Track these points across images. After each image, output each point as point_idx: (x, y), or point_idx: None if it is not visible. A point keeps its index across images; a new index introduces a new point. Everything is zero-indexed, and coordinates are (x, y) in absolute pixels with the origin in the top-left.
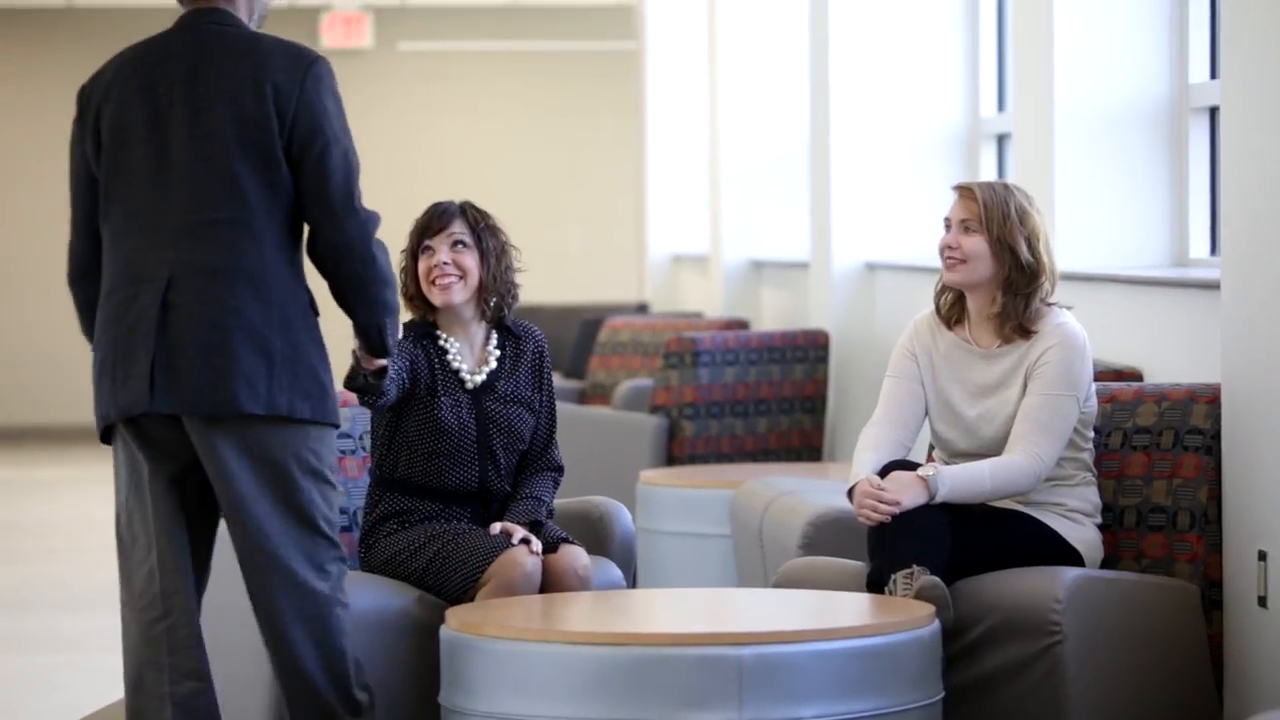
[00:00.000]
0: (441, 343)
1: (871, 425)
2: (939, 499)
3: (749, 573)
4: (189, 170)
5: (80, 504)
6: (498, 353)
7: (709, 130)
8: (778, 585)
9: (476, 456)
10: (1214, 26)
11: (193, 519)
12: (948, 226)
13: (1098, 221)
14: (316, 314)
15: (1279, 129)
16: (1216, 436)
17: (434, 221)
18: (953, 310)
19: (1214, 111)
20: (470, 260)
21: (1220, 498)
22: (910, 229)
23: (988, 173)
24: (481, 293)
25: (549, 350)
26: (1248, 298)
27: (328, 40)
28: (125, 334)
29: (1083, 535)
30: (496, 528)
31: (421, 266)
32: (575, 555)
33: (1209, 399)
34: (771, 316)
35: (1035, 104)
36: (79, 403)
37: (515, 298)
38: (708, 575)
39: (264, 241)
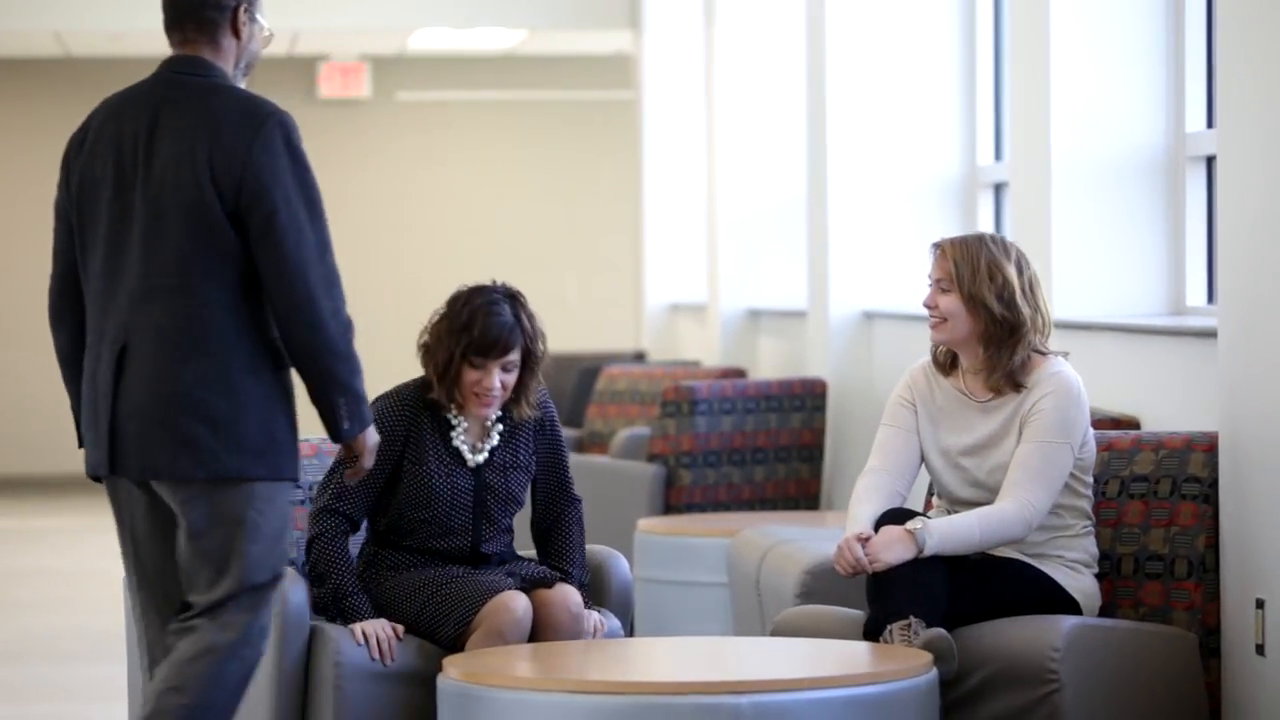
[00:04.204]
0: (449, 416)
1: (866, 474)
2: (927, 553)
3: (746, 621)
4: (142, 230)
5: (78, 554)
6: (500, 427)
7: (706, 179)
8: (775, 634)
9: (471, 525)
10: (1210, 76)
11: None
12: (930, 284)
13: (1095, 270)
14: (279, 366)
15: (1276, 177)
16: (1214, 485)
17: (495, 347)
18: (948, 358)
19: (1211, 160)
20: (513, 378)
21: (1218, 546)
22: (908, 278)
23: (985, 222)
24: (509, 397)
25: (554, 413)
26: (1245, 346)
27: (326, 90)
28: (92, 395)
29: (1080, 584)
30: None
31: (468, 375)
32: (568, 593)
33: (1206, 447)
34: (769, 365)
35: (1032, 153)
36: (76, 452)
37: (537, 395)
38: (705, 624)
39: (208, 303)
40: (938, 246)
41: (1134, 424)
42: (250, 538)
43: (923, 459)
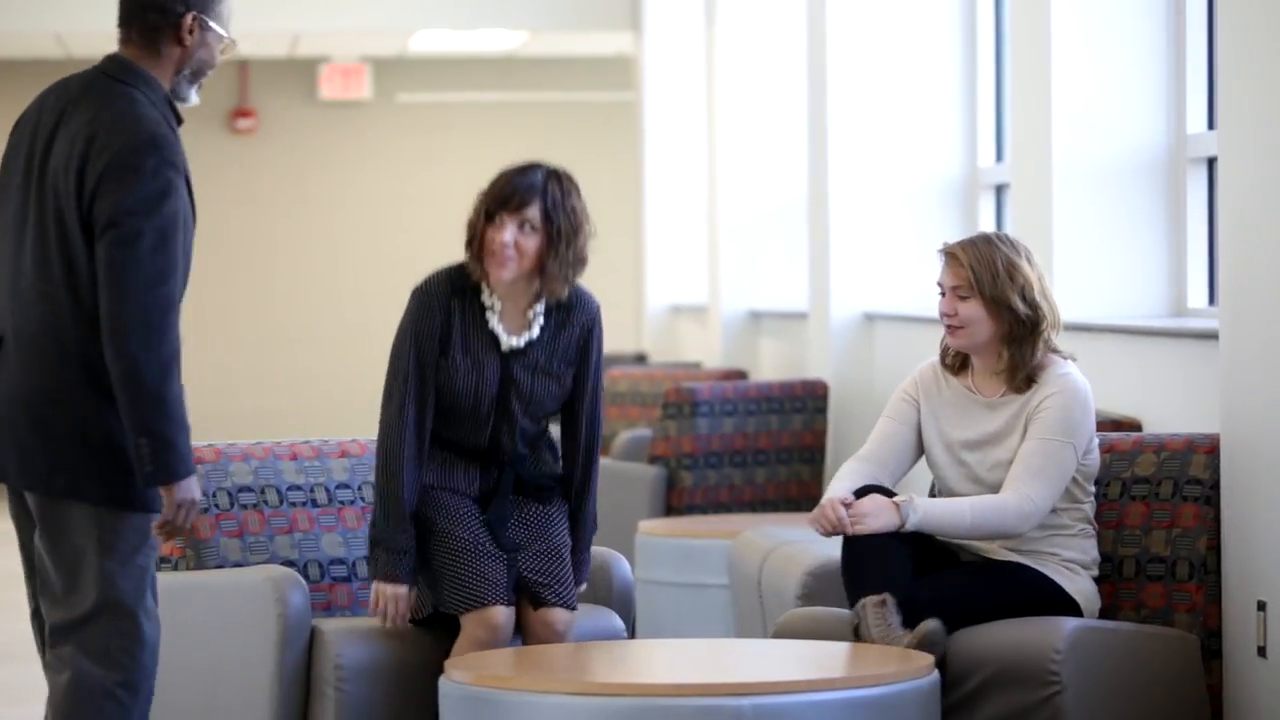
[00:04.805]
0: (483, 298)
1: (854, 459)
2: (909, 527)
3: (748, 623)
4: (30, 231)
5: None
6: (542, 320)
7: (707, 181)
8: (776, 635)
9: (490, 419)
10: (1211, 77)
11: None
12: (942, 292)
13: (1096, 271)
14: None
15: (1277, 179)
16: (1215, 486)
17: (512, 199)
18: (956, 359)
19: (1212, 162)
20: (533, 243)
21: (1219, 548)
22: (909, 279)
23: (986, 224)
24: (537, 271)
25: (600, 325)
26: (1246, 347)
27: (326, 91)
28: None
29: (1080, 586)
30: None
31: (487, 234)
32: (553, 619)
33: (1208, 449)
34: (770, 367)
35: (1033, 155)
36: None
37: (574, 279)
38: (706, 625)
39: (74, 317)
40: (948, 253)
41: (1135, 426)
42: (103, 553)
43: (923, 453)
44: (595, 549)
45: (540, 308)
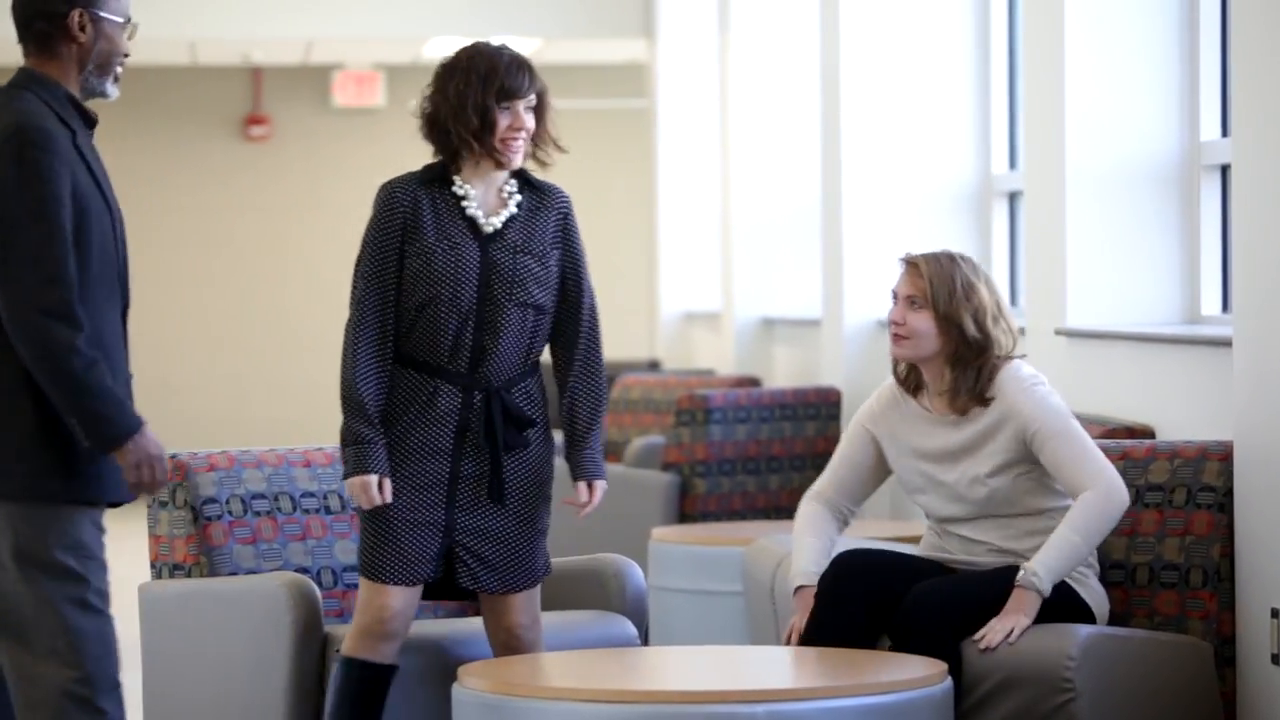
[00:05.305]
0: (456, 189)
1: (812, 498)
2: (1047, 592)
3: (761, 630)
4: None
5: None
6: (518, 197)
7: (720, 188)
8: (789, 642)
9: (472, 317)
10: (1225, 84)
11: None
12: (895, 299)
13: (1109, 278)
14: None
15: None
16: (1229, 494)
17: (520, 89)
18: (910, 376)
19: (1226, 169)
20: (533, 120)
21: (1233, 555)
22: None
23: (999, 230)
24: (531, 146)
25: (573, 214)
26: (1260, 354)
27: (340, 99)
28: None
29: (1090, 590)
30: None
31: (501, 122)
32: (505, 605)
33: (1221, 456)
34: (783, 374)
35: (1047, 161)
36: None
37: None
38: (720, 633)
39: None
40: (909, 262)
41: (1149, 433)
42: (20, 556)
43: (888, 474)
44: (608, 556)
45: (514, 185)
